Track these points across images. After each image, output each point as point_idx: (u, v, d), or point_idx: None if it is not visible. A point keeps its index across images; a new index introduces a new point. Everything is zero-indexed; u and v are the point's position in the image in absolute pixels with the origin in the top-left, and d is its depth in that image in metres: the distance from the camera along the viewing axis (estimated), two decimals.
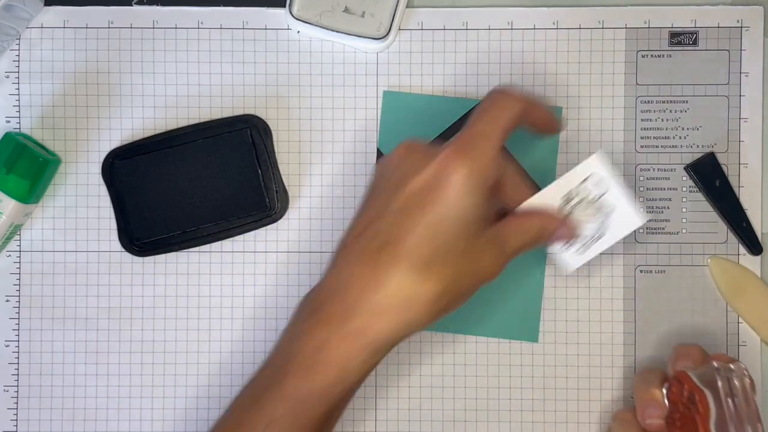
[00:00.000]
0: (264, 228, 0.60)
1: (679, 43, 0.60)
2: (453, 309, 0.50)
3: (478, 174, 0.49)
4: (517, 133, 0.59)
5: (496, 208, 0.53)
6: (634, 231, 0.55)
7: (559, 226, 0.54)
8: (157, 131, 0.60)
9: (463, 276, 0.49)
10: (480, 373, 0.60)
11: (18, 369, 0.60)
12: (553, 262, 0.59)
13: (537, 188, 0.55)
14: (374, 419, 0.60)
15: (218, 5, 0.60)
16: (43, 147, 0.60)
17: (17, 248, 0.60)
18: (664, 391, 0.53)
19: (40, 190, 0.59)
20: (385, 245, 0.48)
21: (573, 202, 0.54)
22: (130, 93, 0.60)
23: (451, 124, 0.59)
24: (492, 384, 0.60)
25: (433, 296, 0.47)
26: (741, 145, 0.60)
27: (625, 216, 0.55)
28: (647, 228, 0.60)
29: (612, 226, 0.55)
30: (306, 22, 0.59)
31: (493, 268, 0.51)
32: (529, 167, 0.59)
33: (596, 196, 0.54)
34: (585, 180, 0.54)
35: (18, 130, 0.60)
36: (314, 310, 0.50)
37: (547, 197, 0.54)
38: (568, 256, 0.55)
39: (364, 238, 0.49)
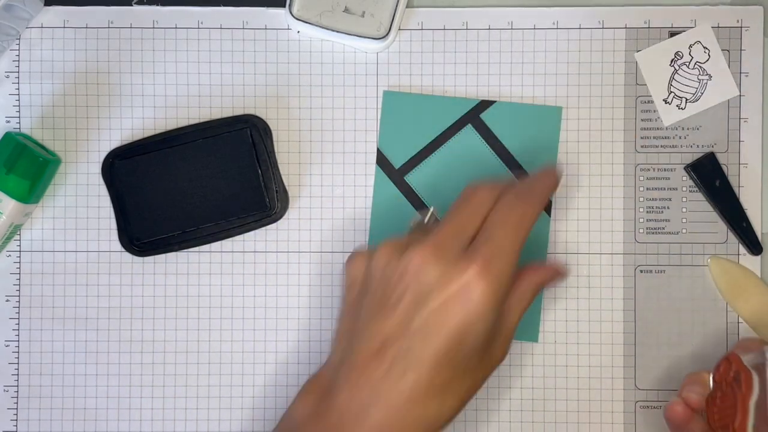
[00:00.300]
0: (264, 228, 0.60)
1: None
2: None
3: (500, 292, 0.48)
4: (517, 132, 0.59)
5: None
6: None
7: (550, 276, 0.54)
8: (157, 131, 0.60)
9: (479, 380, 0.50)
10: None
11: (18, 369, 0.60)
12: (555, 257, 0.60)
13: None
14: None
15: (218, 5, 0.60)
16: (43, 147, 0.59)
17: (17, 248, 0.60)
18: (712, 373, 0.53)
19: (40, 190, 0.59)
20: (408, 370, 0.46)
21: (680, 61, 0.57)
22: (130, 93, 0.60)
23: (448, 126, 0.60)
24: (492, 384, 0.60)
25: (452, 413, 0.48)
26: (741, 145, 0.60)
27: (722, 86, 0.58)
28: (647, 228, 0.60)
29: (709, 92, 0.58)
30: (306, 22, 0.59)
31: (503, 355, 0.51)
32: (529, 168, 0.59)
33: (701, 61, 0.57)
34: (693, 45, 0.57)
35: (18, 130, 0.60)
36: (332, 429, 0.48)
37: (660, 50, 0.59)
38: (666, 110, 0.58)
39: (385, 361, 0.47)
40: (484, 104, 0.60)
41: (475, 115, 0.60)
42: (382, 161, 0.60)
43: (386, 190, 0.60)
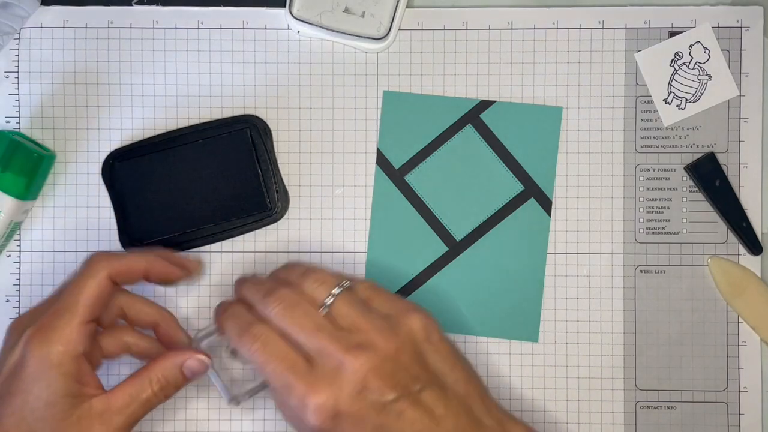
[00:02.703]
0: (264, 228, 0.60)
1: None
2: None
3: (57, 353, 0.49)
4: (517, 132, 0.59)
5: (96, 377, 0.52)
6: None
7: (191, 362, 0.53)
8: (157, 131, 0.60)
9: None
10: (480, 373, 0.60)
11: None
12: (553, 263, 0.60)
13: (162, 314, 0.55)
14: None
15: (218, 5, 0.60)
16: (36, 143, 0.59)
17: (17, 248, 0.60)
18: None
19: (37, 186, 0.59)
20: None
21: (680, 61, 0.57)
22: (130, 93, 0.60)
23: (448, 126, 0.60)
24: (492, 384, 0.60)
25: None
26: (741, 145, 0.60)
27: (722, 86, 0.58)
28: (647, 228, 0.60)
29: (709, 92, 0.58)
30: (306, 22, 0.59)
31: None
32: (529, 168, 0.59)
33: (701, 61, 0.57)
34: (693, 45, 0.57)
35: (11, 129, 0.60)
36: None
37: (660, 50, 0.59)
38: (666, 110, 0.58)
39: None
40: (484, 104, 0.60)
41: (475, 115, 0.60)
42: (382, 161, 0.60)
43: (386, 190, 0.60)
